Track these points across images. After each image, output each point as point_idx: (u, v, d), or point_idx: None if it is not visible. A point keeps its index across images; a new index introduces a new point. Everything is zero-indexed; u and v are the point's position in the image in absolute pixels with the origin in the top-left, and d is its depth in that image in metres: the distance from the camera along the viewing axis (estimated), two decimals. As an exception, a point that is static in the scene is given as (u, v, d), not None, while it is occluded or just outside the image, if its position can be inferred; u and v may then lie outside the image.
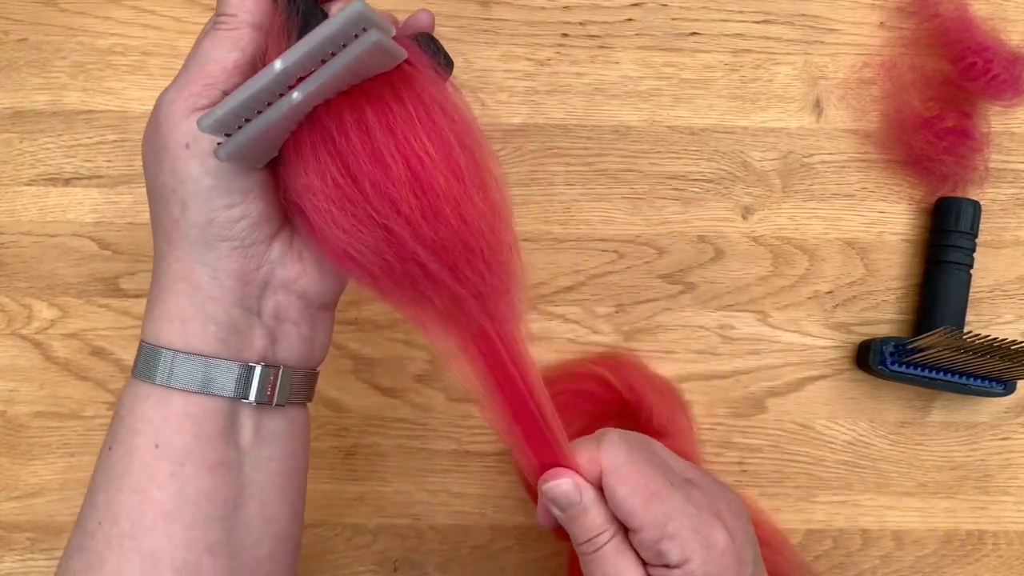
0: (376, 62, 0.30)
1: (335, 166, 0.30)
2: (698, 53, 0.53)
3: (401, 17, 0.36)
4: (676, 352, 0.52)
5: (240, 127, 0.30)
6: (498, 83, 0.52)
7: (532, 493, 0.51)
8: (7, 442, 0.50)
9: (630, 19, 0.53)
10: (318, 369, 0.38)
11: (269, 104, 0.29)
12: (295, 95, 0.29)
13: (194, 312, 0.33)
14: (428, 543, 0.51)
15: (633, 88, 0.53)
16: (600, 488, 0.33)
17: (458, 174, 0.31)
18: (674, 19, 0.53)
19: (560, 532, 0.35)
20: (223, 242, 0.32)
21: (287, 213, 0.34)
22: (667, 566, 0.32)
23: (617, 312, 0.52)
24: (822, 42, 0.53)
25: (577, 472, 0.34)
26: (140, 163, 0.51)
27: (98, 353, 0.51)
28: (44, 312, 0.51)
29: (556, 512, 0.34)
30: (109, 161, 0.51)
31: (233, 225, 0.32)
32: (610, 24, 0.53)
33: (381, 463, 0.51)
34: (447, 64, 0.34)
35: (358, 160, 0.30)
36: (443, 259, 0.31)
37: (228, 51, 0.32)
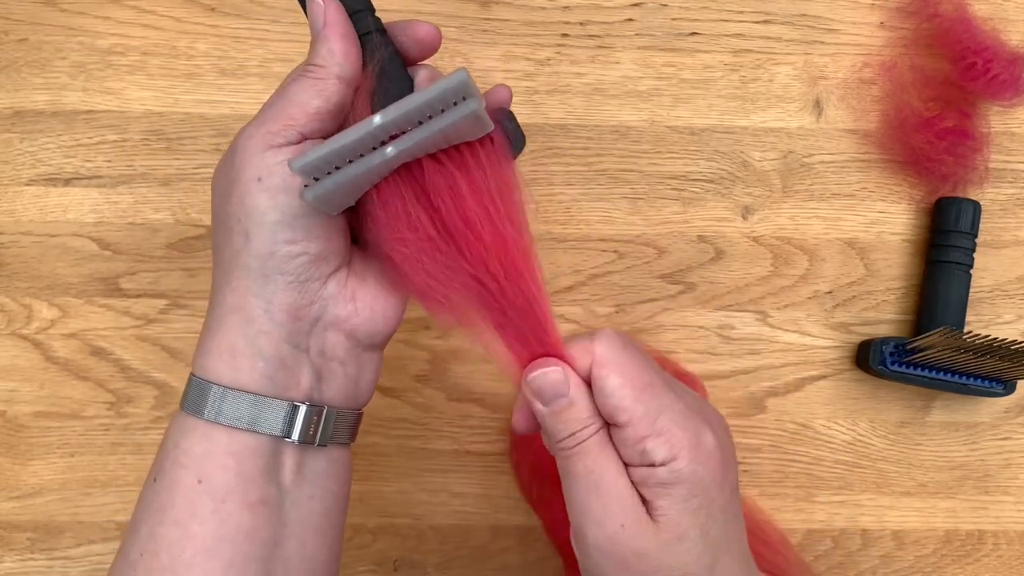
0: (467, 130, 0.32)
1: (429, 221, 0.33)
2: (698, 53, 0.53)
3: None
4: (676, 352, 0.52)
5: (329, 173, 0.31)
6: (498, 83, 0.52)
7: (528, 493, 0.51)
8: (7, 442, 0.50)
9: (630, 19, 0.53)
10: (362, 411, 0.38)
11: (361, 155, 0.31)
12: (389, 150, 0.31)
13: (244, 345, 0.33)
14: (428, 543, 0.51)
15: (633, 88, 0.53)
16: (588, 382, 0.33)
17: (525, 253, 0.33)
18: (674, 19, 0.53)
19: (522, 449, 0.35)
20: (280, 275, 0.33)
21: (347, 255, 0.35)
22: (651, 465, 0.32)
23: (617, 312, 0.52)
24: (822, 42, 0.54)
25: (566, 363, 0.33)
26: (140, 163, 0.51)
27: (98, 353, 0.51)
28: (44, 312, 0.51)
29: (538, 407, 0.33)
30: (109, 161, 0.51)
31: (292, 260, 0.33)
32: (610, 24, 0.53)
33: (381, 463, 0.51)
34: (521, 141, 0.36)
35: (453, 220, 0.32)
36: (509, 303, 0.34)
37: (312, 97, 0.33)
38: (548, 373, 0.33)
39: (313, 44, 0.34)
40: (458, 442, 0.51)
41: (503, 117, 0.35)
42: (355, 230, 0.36)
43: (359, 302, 0.35)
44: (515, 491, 0.51)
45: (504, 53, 0.53)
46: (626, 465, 0.33)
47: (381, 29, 0.35)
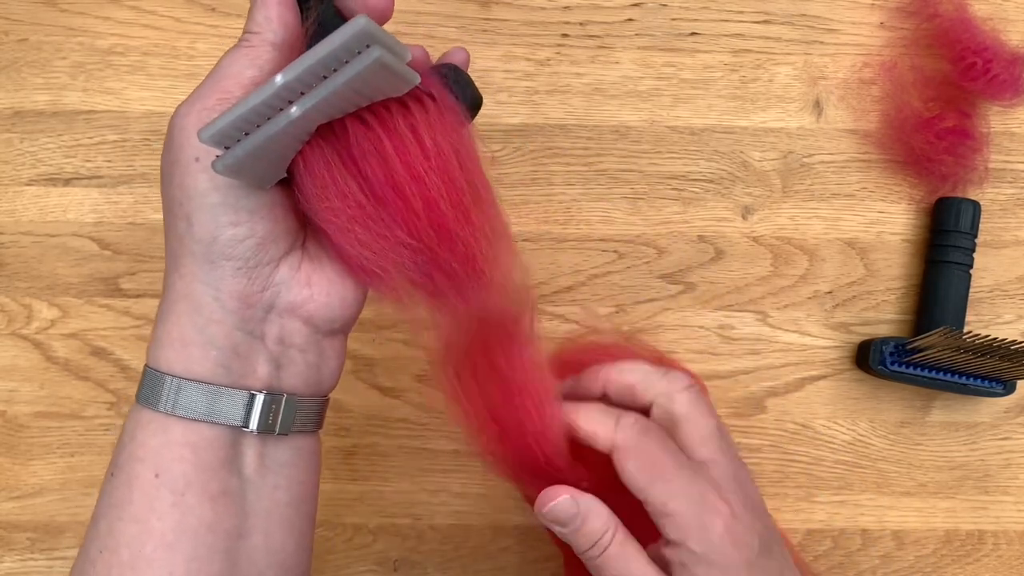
0: (384, 83, 0.30)
1: (359, 189, 0.31)
2: (698, 53, 0.53)
3: (402, 33, 0.36)
4: (676, 352, 0.52)
5: (238, 141, 0.29)
6: (498, 83, 0.52)
7: (528, 495, 0.51)
8: (7, 442, 0.50)
9: (630, 19, 0.53)
10: (327, 397, 0.37)
11: (269, 119, 0.29)
12: (293, 110, 0.29)
13: (195, 334, 0.32)
14: (428, 543, 0.51)
15: (633, 88, 0.53)
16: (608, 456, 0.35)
17: (468, 218, 0.32)
18: (674, 19, 0.53)
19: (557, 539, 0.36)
20: (227, 261, 0.32)
21: (298, 235, 0.34)
22: (667, 542, 0.34)
23: (617, 312, 0.52)
24: (822, 42, 0.54)
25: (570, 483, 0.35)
26: (140, 163, 0.51)
27: (98, 353, 0.51)
28: (44, 312, 0.51)
29: (558, 530, 0.35)
30: (109, 161, 0.51)
31: (238, 244, 0.32)
32: (610, 24, 0.53)
33: (382, 463, 0.51)
34: (473, 101, 0.34)
35: (381, 185, 0.31)
36: (455, 281, 0.33)
37: (245, 67, 0.31)
38: (559, 504, 0.35)
39: (250, 11, 0.32)
40: (458, 442, 0.51)
41: (448, 72, 0.33)
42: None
43: (315, 286, 0.34)
44: (515, 491, 0.51)
45: (504, 53, 0.53)
46: (656, 540, 0.35)
47: None
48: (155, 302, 0.51)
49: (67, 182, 0.51)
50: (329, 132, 0.31)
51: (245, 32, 0.32)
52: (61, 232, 0.51)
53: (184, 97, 0.53)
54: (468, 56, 0.36)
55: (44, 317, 0.51)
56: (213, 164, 0.30)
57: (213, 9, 0.52)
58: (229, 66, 0.32)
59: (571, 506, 0.35)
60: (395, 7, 0.51)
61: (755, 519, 0.35)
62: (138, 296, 0.51)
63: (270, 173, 0.31)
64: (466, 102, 0.34)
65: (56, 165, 0.51)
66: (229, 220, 0.31)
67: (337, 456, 0.51)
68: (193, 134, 0.31)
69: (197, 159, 0.31)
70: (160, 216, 0.51)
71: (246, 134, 0.29)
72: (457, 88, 0.33)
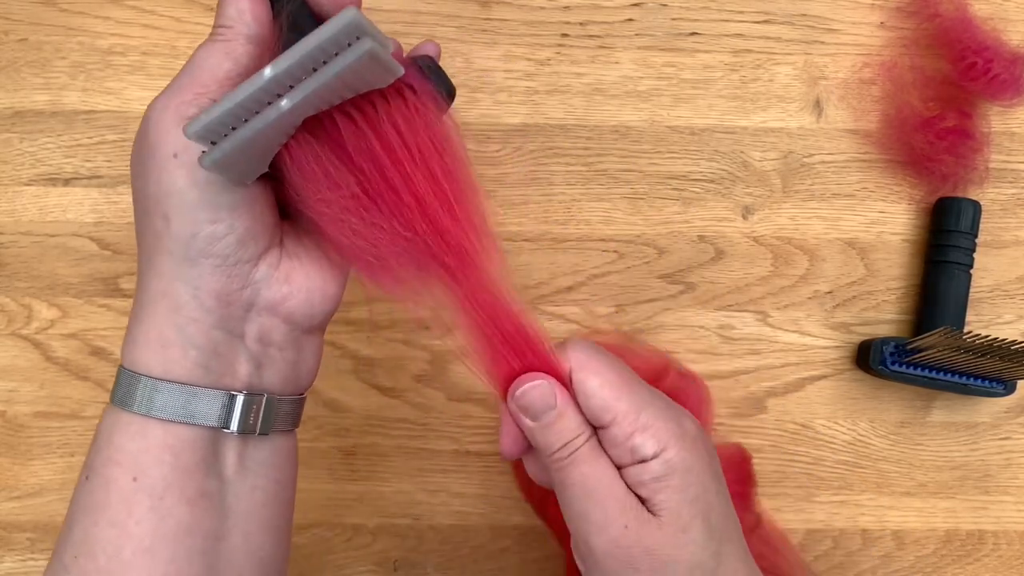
0: (371, 75, 0.30)
1: (353, 181, 0.31)
2: (698, 53, 0.53)
3: (401, 33, 0.36)
4: (676, 352, 0.52)
5: (225, 136, 0.29)
6: (498, 83, 0.52)
7: (527, 493, 0.51)
8: (7, 442, 0.50)
9: (630, 19, 0.53)
10: (304, 395, 0.37)
11: (257, 113, 0.29)
12: (283, 103, 0.29)
13: (174, 334, 0.32)
14: (428, 543, 0.51)
15: (633, 88, 0.53)
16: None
17: (452, 210, 0.32)
18: (674, 19, 0.53)
19: (521, 471, 0.34)
20: (206, 259, 0.31)
21: (276, 232, 0.34)
22: (643, 461, 0.32)
23: (617, 312, 0.52)
24: (822, 42, 0.53)
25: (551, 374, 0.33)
26: (140, 163, 0.51)
27: (98, 353, 0.51)
28: (44, 312, 0.51)
29: (527, 423, 0.33)
30: (109, 161, 0.51)
31: (217, 242, 0.31)
32: (610, 24, 0.53)
33: (381, 463, 0.51)
34: (449, 92, 0.34)
35: (373, 179, 0.31)
36: (449, 272, 0.33)
37: (221, 61, 0.31)
38: (536, 387, 0.32)
39: (220, 5, 0.32)
40: (458, 442, 0.51)
41: (427, 63, 0.33)
42: (283, 204, 0.34)
43: (294, 283, 0.34)
44: (515, 491, 0.51)
45: (504, 53, 0.53)
46: (619, 467, 0.32)
47: None
48: (155, 302, 0.51)
49: (67, 182, 0.51)
50: (315, 125, 0.31)
51: (217, 26, 0.32)
52: (61, 232, 0.51)
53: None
54: (439, 48, 0.36)
55: (44, 317, 0.51)
56: (200, 160, 0.29)
57: (213, 9, 0.52)
58: (204, 59, 0.31)
59: (549, 393, 0.32)
60: (395, 7, 0.51)
61: (704, 431, 0.35)
62: (138, 296, 0.51)
63: (253, 168, 0.31)
64: (443, 92, 0.34)
65: (56, 165, 0.51)
66: (208, 217, 0.31)
67: (337, 456, 0.51)
68: (170, 129, 0.30)
69: (175, 155, 0.30)
70: (160, 216, 0.51)
71: (233, 128, 0.29)
72: (435, 79, 0.33)
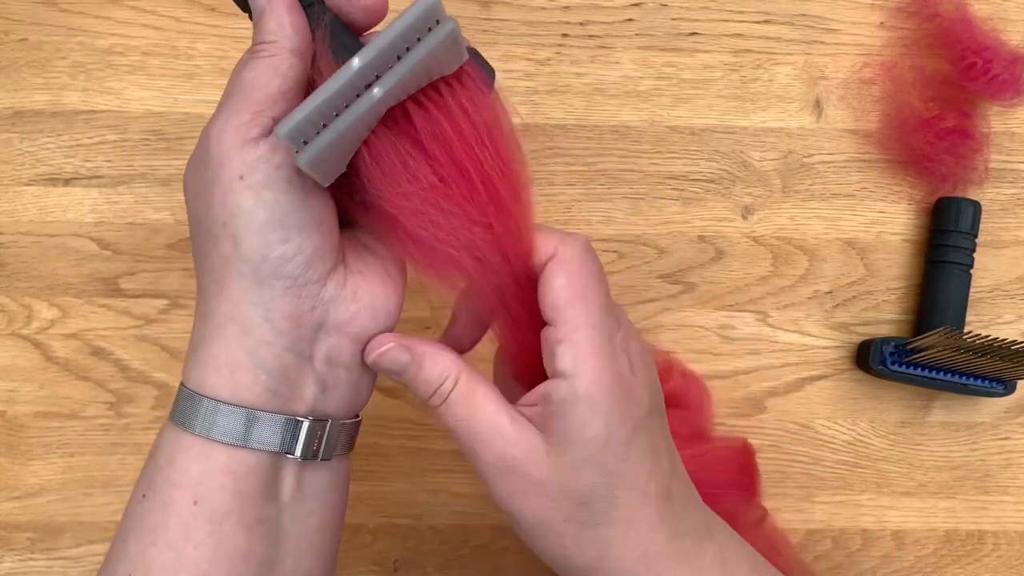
0: (446, 60, 0.30)
1: (430, 171, 0.31)
2: (698, 53, 0.53)
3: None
4: (676, 352, 0.52)
5: (318, 133, 0.29)
6: (498, 83, 0.52)
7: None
8: (7, 442, 0.50)
9: (630, 19, 0.53)
10: (361, 418, 0.36)
11: (347, 107, 0.29)
12: (376, 91, 0.29)
13: (245, 358, 0.31)
14: (428, 543, 0.51)
15: (633, 88, 0.53)
16: (537, 277, 0.33)
17: (518, 194, 0.33)
18: (674, 19, 0.53)
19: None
20: (277, 280, 0.31)
21: (339, 251, 0.34)
22: (557, 378, 0.32)
23: (617, 312, 0.52)
24: (822, 42, 0.54)
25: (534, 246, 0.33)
26: (140, 163, 0.51)
27: (98, 353, 0.51)
28: (44, 312, 0.51)
29: (396, 379, 0.34)
30: (109, 161, 0.51)
31: (288, 262, 0.31)
32: (610, 24, 0.53)
33: (382, 463, 0.51)
34: (491, 74, 0.34)
35: (448, 167, 0.31)
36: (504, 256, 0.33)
37: (271, 78, 0.31)
38: (382, 354, 0.33)
39: (259, 21, 0.32)
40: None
41: (470, 49, 0.33)
42: (343, 214, 0.34)
43: (360, 301, 0.33)
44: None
45: (504, 53, 0.53)
46: (540, 380, 0.32)
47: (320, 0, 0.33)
48: (155, 302, 0.51)
49: (67, 182, 0.51)
50: (388, 117, 0.31)
51: (258, 43, 0.31)
52: (61, 232, 0.51)
53: (185, 96, 0.53)
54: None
55: (44, 317, 0.51)
56: (297, 159, 0.29)
57: (213, 9, 0.52)
58: (253, 78, 0.31)
59: (401, 354, 0.33)
60: (395, 7, 0.51)
61: (650, 378, 0.34)
62: (138, 296, 0.51)
63: (334, 168, 0.31)
64: (491, 75, 0.34)
65: (56, 165, 0.51)
66: (278, 237, 0.31)
67: (337, 456, 0.51)
68: (233, 152, 0.30)
69: (241, 177, 0.30)
70: (159, 216, 0.51)
71: (324, 126, 0.29)
72: (481, 62, 0.33)
